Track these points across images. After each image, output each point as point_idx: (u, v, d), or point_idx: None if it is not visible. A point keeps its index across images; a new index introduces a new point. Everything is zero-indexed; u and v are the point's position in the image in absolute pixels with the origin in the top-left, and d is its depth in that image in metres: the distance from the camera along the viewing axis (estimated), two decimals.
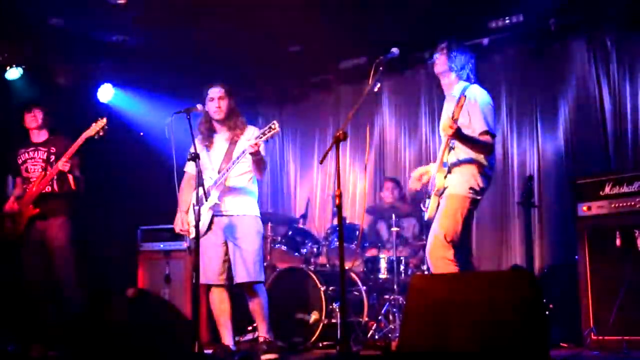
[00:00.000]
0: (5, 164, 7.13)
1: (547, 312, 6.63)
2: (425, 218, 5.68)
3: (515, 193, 8.29)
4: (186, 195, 6.24)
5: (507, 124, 8.54)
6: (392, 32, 7.98)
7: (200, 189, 5.57)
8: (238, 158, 5.95)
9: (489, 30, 8.30)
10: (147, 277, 8.30)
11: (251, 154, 5.78)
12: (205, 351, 5.88)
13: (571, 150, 8.00)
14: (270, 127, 5.69)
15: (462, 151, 5.47)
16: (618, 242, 6.11)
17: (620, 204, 6.14)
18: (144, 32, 8.29)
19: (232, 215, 6.12)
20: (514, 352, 4.00)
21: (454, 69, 5.66)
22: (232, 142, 6.15)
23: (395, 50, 5.30)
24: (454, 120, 5.26)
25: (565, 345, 6.47)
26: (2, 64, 8.18)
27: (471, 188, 5.43)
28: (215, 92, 6.21)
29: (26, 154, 6.88)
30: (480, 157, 5.46)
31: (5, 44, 8.10)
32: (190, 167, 6.34)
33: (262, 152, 5.89)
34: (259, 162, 5.96)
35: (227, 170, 6.01)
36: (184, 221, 6.12)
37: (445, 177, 5.46)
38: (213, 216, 6.11)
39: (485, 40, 8.40)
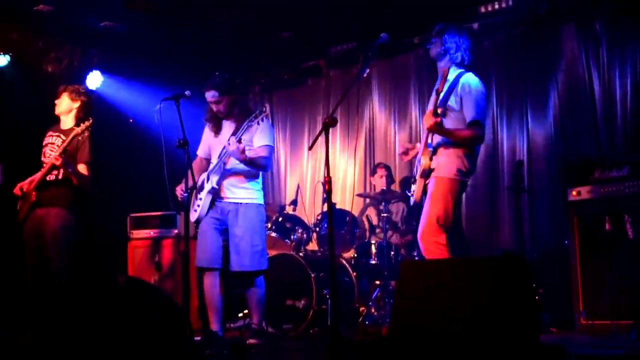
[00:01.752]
0: None
1: (537, 297, 6.65)
2: (411, 202, 5.69)
3: (505, 178, 8.30)
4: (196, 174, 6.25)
5: (497, 108, 8.53)
6: (381, 17, 7.95)
7: (190, 176, 5.58)
8: (224, 155, 5.97)
9: (479, 15, 8.29)
10: (137, 264, 8.29)
11: (234, 156, 5.83)
12: (195, 338, 5.89)
13: (561, 135, 8.01)
14: (260, 111, 5.74)
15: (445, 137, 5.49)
16: (607, 226, 6.12)
17: (610, 189, 6.14)
18: (133, 19, 8.25)
19: (235, 202, 6.11)
20: (504, 337, 4.01)
21: (448, 52, 5.63)
22: (235, 133, 6.13)
23: (384, 35, 5.29)
24: (433, 113, 5.28)
25: (554, 329, 6.50)
26: None
27: (458, 170, 5.43)
28: (209, 96, 6.18)
29: (50, 138, 6.72)
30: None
31: None
32: (201, 151, 6.45)
33: (244, 155, 5.87)
34: (244, 162, 5.95)
35: (223, 156, 6.00)
36: (183, 188, 6.10)
37: (431, 158, 5.47)
38: (213, 200, 6.11)
39: (475, 25, 8.39)
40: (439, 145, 5.49)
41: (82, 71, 8.88)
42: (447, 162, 5.44)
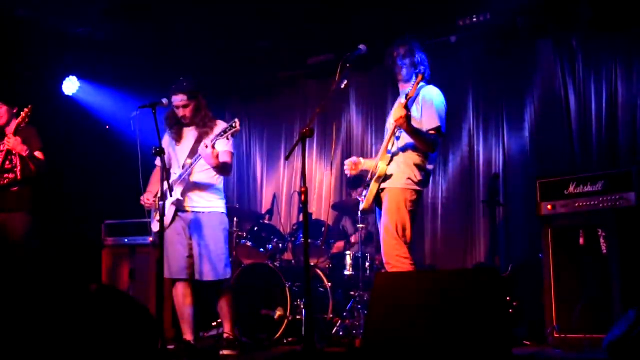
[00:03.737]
0: None
1: (511, 310, 6.67)
2: (361, 207, 5.69)
3: (480, 191, 8.33)
4: (153, 186, 6.25)
5: (473, 121, 8.58)
6: (360, 29, 7.97)
7: (165, 183, 5.56)
8: (195, 160, 5.94)
9: (457, 28, 8.34)
10: (111, 272, 8.23)
11: (207, 160, 5.81)
12: (168, 347, 5.86)
13: (537, 148, 8.06)
14: (231, 126, 5.71)
15: (404, 142, 5.55)
16: (581, 241, 6.14)
17: (584, 203, 6.16)
18: (110, 25, 8.22)
19: (197, 212, 6.10)
20: (477, 350, 4.02)
21: (410, 67, 5.71)
22: (199, 140, 6.11)
23: (362, 47, 5.32)
24: (405, 107, 5.30)
25: (528, 342, 6.51)
26: None
27: (409, 179, 5.48)
28: (177, 100, 6.14)
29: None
30: (419, 149, 5.53)
31: None
32: (158, 160, 6.32)
33: (218, 159, 5.87)
34: (216, 167, 5.95)
35: (190, 167, 5.99)
36: (148, 197, 6.11)
37: (388, 164, 5.52)
38: (177, 211, 6.09)
39: (453, 38, 8.45)
40: (396, 152, 5.56)
41: (59, 76, 8.83)
42: (398, 172, 5.51)
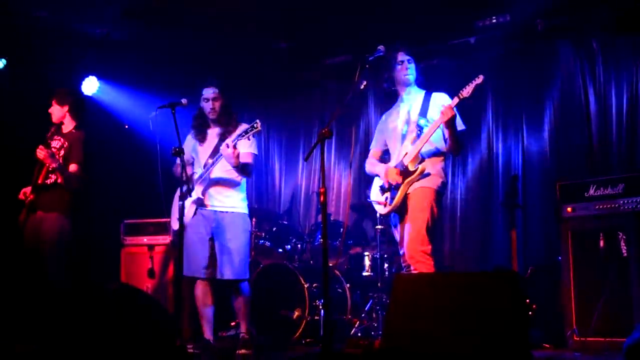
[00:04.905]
0: None
1: (530, 313, 6.64)
2: (385, 210, 5.71)
3: (499, 193, 8.30)
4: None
5: (493, 123, 8.55)
6: (378, 30, 7.96)
7: (185, 183, 5.59)
8: (217, 159, 5.97)
9: (476, 29, 8.30)
10: (130, 271, 8.26)
11: (227, 160, 5.83)
12: (187, 346, 5.87)
13: (556, 150, 8.02)
14: (252, 126, 5.73)
15: (431, 145, 5.66)
16: (601, 243, 6.12)
17: (605, 206, 6.14)
18: (130, 26, 8.25)
19: (219, 211, 6.13)
20: (495, 353, 4.00)
21: (418, 77, 5.95)
22: (222, 139, 6.14)
23: (381, 48, 5.34)
24: (450, 107, 5.41)
25: (547, 346, 6.48)
26: None
27: (442, 182, 5.65)
28: (209, 93, 6.24)
29: (53, 142, 6.76)
30: (444, 154, 5.73)
31: None
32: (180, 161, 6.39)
33: (239, 159, 5.90)
34: (236, 167, 5.97)
35: (211, 166, 6.02)
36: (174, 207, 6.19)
37: (419, 168, 5.60)
38: (197, 209, 6.11)
39: (472, 39, 8.41)
40: (425, 156, 5.65)
41: (79, 76, 8.87)
42: (433, 174, 5.61)
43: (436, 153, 5.69)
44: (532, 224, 8.01)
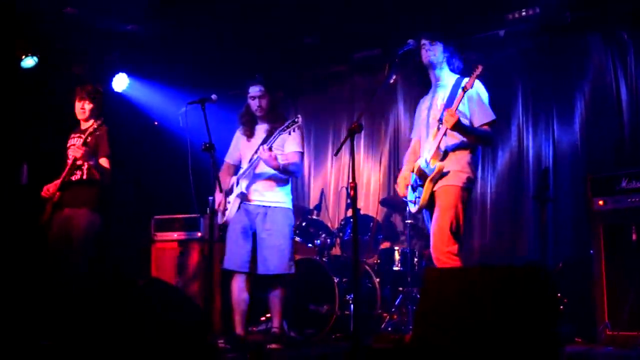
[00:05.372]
0: (21, 151, 7.13)
1: (561, 307, 6.60)
2: (414, 210, 5.63)
3: (530, 187, 8.25)
4: (222, 183, 6.32)
5: (523, 116, 8.49)
6: (406, 23, 7.94)
7: (216, 179, 5.62)
8: (256, 160, 5.99)
9: (506, 22, 8.25)
10: (160, 267, 8.32)
11: (267, 164, 5.85)
12: (218, 341, 5.91)
13: (587, 143, 7.94)
14: (293, 121, 5.74)
15: (456, 139, 5.47)
16: (634, 237, 6.07)
17: (636, 199, 6.09)
18: (159, 22, 8.29)
19: (263, 206, 6.14)
20: (527, 348, 3.98)
21: (448, 60, 5.70)
22: (269, 135, 6.17)
23: (411, 42, 5.31)
24: (455, 110, 5.25)
25: (579, 340, 6.43)
26: (17, 52, 8.19)
27: (468, 178, 5.43)
28: (255, 91, 6.27)
29: (72, 139, 6.82)
30: (471, 147, 5.49)
31: (20, 33, 8.11)
32: (230, 158, 6.51)
33: (277, 162, 5.91)
34: (277, 169, 5.99)
35: (255, 161, 6.04)
36: (221, 202, 6.19)
37: (442, 161, 5.43)
38: (241, 204, 6.14)
39: (502, 32, 8.36)
40: (449, 149, 5.47)
41: (109, 73, 8.93)
42: (457, 170, 5.42)
43: (461, 146, 5.48)
44: (562, 218, 7.95)
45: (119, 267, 8.08)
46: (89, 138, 6.58)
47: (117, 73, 8.97)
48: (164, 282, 7.09)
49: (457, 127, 5.24)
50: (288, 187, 6.29)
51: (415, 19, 7.95)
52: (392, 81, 5.34)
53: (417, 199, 5.56)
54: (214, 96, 5.95)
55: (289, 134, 5.87)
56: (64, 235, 6.62)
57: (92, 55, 8.75)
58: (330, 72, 10.07)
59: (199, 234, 8.06)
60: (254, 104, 6.26)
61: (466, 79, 5.36)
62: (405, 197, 5.84)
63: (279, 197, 6.18)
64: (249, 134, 6.34)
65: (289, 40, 8.86)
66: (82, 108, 6.83)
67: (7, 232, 7.30)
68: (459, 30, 8.06)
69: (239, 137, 6.42)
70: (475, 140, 5.44)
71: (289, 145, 6.08)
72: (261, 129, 6.31)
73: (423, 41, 5.66)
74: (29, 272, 6.91)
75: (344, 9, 8.00)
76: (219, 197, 6.17)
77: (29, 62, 8.22)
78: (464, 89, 5.30)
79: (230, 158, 6.51)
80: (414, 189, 5.64)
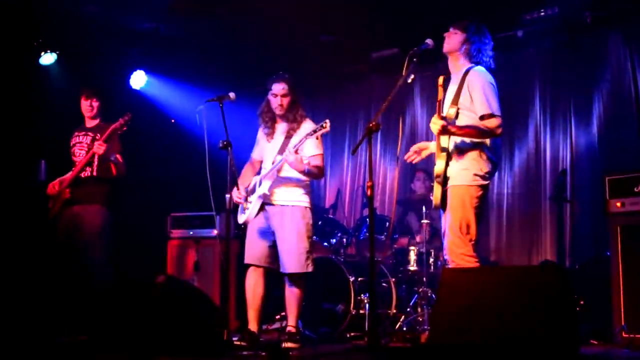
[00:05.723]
0: (39, 148, 7.18)
1: (577, 309, 6.57)
2: (434, 205, 5.52)
3: (547, 187, 8.23)
4: (244, 178, 6.39)
5: (540, 117, 8.47)
6: (424, 22, 7.91)
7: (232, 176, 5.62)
8: (280, 162, 6.00)
9: (524, 22, 8.23)
10: (176, 264, 8.34)
11: (289, 164, 5.84)
12: (233, 338, 5.92)
13: (605, 144, 7.92)
14: (321, 126, 5.66)
15: (460, 137, 5.26)
16: None
17: None
18: (177, 21, 8.31)
19: (282, 205, 6.14)
20: (544, 348, 3.97)
21: (467, 51, 5.45)
22: (288, 136, 6.18)
23: (429, 41, 5.25)
24: (440, 117, 5.14)
25: (595, 342, 6.41)
26: (37, 49, 8.23)
27: (475, 175, 5.20)
28: (278, 88, 6.21)
29: (77, 137, 6.93)
30: (477, 142, 5.25)
31: (40, 29, 8.15)
32: (256, 154, 6.49)
33: (303, 163, 5.90)
34: (302, 172, 5.99)
35: (278, 163, 6.01)
36: (240, 191, 6.18)
37: (447, 163, 5.26)
38: (263, 204, 6.14)
39: (520, 32, 8.34)
40: (454, 148, 5.28)
41: (127, 70, 8.96)
42: (462, 169, 5.23)
43: (465, 143, 5.26)
44: (580, 219, 7.93)
45: (135, 264, 8.11)
46: (88, 136, 6.80)
47: (135, 70, 9.00)
48: (180, 279, 7.14)
49: (445, 132, 5.14)
50: (308, 187, 6.27)
51: (433, 18, 7.92)
52: (410, 80, 5.28)
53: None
54: (232, 94, 5.95)
55: (317, 138, 5.85)
56: (74, 232, 6.68)
57: (110, 52, 8.77)
58: (347, 72, 10.07)
59: (215, 232, 8.07)
60: (275, 102, 6.22)
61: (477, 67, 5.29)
62: (412, 162, 5.78)
63: (297, 196, 6.17)
64: (270, 133, 6.32)
65: (306, 38, 8.86)
66: (90, 105, 6.95)
67: (27, 229, 7.33)
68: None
69: (261, 135, 6.41)
70: (476, 136, 5.20)
71: (309, 147, 6.05)
72: (280, 130, 6.30)
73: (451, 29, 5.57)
74: (46, 268, 6.94)
75: (361, 8, 7.99)
76: (235, 192, 6.15)
77: (48, 58, 8.26)
78: (438, 104, 5.25)
79: (257, 155, 6.50)
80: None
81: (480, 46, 5.44)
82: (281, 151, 6.12)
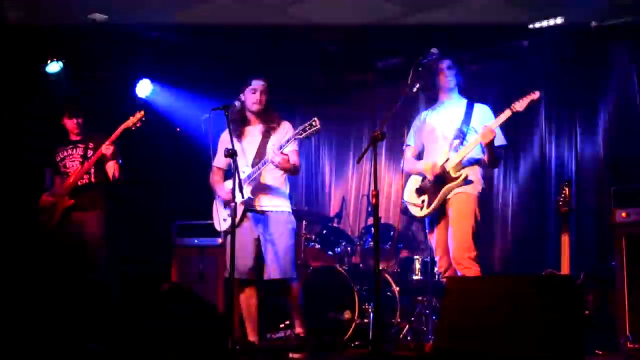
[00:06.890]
0: (44, 157, 7.21)
1: (582, 318, 6.55)
2: (422, 214, 5.83)
3: (551, 198, 8.21)
4: (218, 185, 6.32)
5: (545, 127, 8.46)
6: (430, 32, 7.92)
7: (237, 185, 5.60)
8: (264, 164, 5.94)
9: (529, 32, 8.22)
10: (181, 272, 8.34)
11: (275, 165, 5.81)
12: (237, 347, 5.91)
13: (610, 155, 7.91)
14: (310, 124, 5.65)
15: (473, 153, 5.72)
16: None
17: None
18: (183, 29, 8.32)
19: (266, 211, 6.12)
20: (549, 358, 3.97)
21: (458, 84, 6.02)
22: (266, 136, 6.15)
23: (435, 51, 5.32)
24: (491, 130, 5.47)
25: (600, 352, 6.38)
26: (42, 56, 8.24)
27: (483, 189, 5.75)
28: (259, 84, 6.20)
29: (65, 152, 7.03)
30: (481, 163, 5.81)
31: (45, 37, 8.16)
32: (218, 162, 6.37)
33: (289, 163, 5.91)
34: (287, 171, 6.00)
35: (262, 166, 5.97)
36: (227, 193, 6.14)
37: (462, 174, 5.66)
38: (245, 210, 6.11)
39: (525, 43, 8.34)
40: (466, 162, 5.72)
41: (132, 79, 8.97)
42: (474, 180, 5.69)
43: (476, 162, 5.78)
44: (585, 229, 7.91)
45: (140, 271, 8.11)
46: (79, 148, 6.99)
47: (141, 79, 9.01)
48: (185, 287, 7.13)
49: (491, 144, 5.51)
50: (287, 192, 6.27)
51: (437, 27, 7.94)
52: (415, 90, 5.36)
53: (425, 202, 5.76)
54: (237, 103, 5.96)
55: (307, 137, 5.83)
56: (77, 239, 6.71)
57: (116, 61, 8.78)
58: (352, 80, 10.07)
59: (220, 240, 8.07)
60: (253, 97, 6.14)
61: (520, 102, 5.62)
62: (404, 200, 5.95)
63: (279, 201, 6.14)
64: (240, 134, 6.21)
65: (311, 47, 8.86)
66: (77, 123, 7.11)
67: (34, 237, 7.35)
68: (481, 40, 8.07)
69: (226, 140, 6.05)
70: (491, 158, 5.68)
71: (288, 145, 5.98)
72: (254, 130, 6.22)
73: (443, 63, 5.85)
74: (55, 276, 6.96)
75: (368, 17, 7.99)
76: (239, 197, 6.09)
77: (53, 67, 8.27)
78: (512, 110, 5.54)
79: (220, 163, 6.36)
80: (420, 193, 5.74)
81: (462, 77, 6.19)
82: (260, 152, 6.09)
